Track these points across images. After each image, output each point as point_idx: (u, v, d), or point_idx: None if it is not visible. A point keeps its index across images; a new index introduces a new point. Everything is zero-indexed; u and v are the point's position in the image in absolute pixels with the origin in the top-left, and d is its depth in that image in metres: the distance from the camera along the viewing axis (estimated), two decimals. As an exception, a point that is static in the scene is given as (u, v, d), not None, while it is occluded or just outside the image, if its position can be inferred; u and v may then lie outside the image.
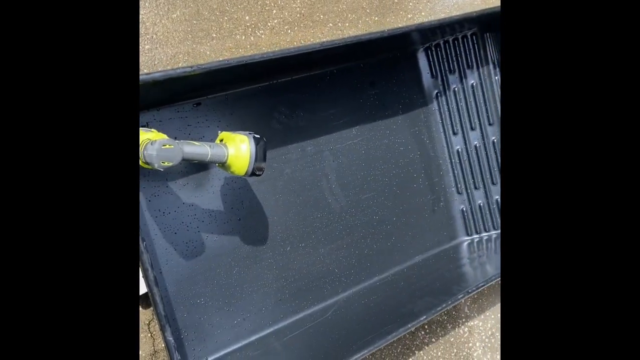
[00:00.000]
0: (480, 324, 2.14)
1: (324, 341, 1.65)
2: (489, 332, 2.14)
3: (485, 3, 2.41)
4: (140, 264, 1.29)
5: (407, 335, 1.98)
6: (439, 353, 2.03)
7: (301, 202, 1.80)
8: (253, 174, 1.37)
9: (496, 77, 2.06)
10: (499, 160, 2.10)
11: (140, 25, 1.68)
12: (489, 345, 2.13)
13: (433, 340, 2.03)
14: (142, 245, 1.27)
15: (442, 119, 2.12)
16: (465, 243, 2.13)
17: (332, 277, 1.83)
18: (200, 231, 1.61)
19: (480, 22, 1.97)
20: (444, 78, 2.09)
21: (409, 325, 1.60)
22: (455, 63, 2.07)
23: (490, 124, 2.09)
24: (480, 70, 2.07)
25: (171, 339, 1.30)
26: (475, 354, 2.10)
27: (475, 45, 2.05)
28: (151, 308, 1.59)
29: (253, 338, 1.66)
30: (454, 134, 2.13)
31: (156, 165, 1.20)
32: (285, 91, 1.77)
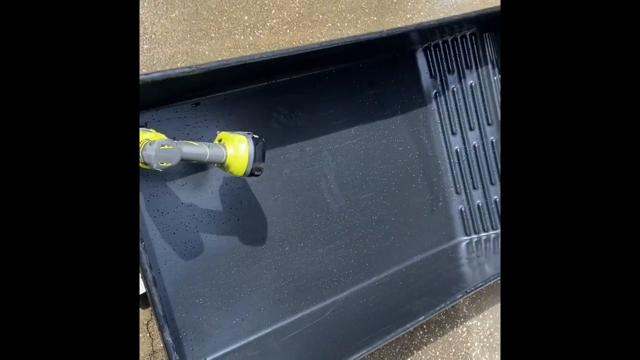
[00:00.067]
0: (479, 323, 2.14)
1: (322, 341, 1.65)
2: (488, 332, 2.15)
3: (484, 3, 2.41)
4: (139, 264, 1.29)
5: (406, 335, 1.98)
6: (438, 353, 2.03)
7: (300, 202, 1.80)
8: (252, 174, 1.36)
9: (495, 77, 2.06)
10: (498, 161, 2.10)
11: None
12: (487, 345, 2.13)
13: (431, 340, 2.03)
14: (140, 246, 1.27)
15: (441, 119, 2.12)
16: (464, 243, 2.13)
17: (331, 277, 1.83)
18: (198, 231, 1.61)
19: (479, 22, 1.97)
20: (443, 78, 2.09)
21: (408, 326, 1.60)
22: (454, 63, 2.07)
23: (489, 124, 2.09)
24: (479, 70, 2.07)
25: (170, 339, 1.30)
26: (473, 354, 2.10)
27: (474, 45, 2.05)
28: (150, 308, 1.59)
29: (252, 338, 1.66)
30: (453, 134, 2.13)
31: (155, 166, 1.20)
32: (284, 91, 1.77)
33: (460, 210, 2.15)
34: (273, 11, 1.93)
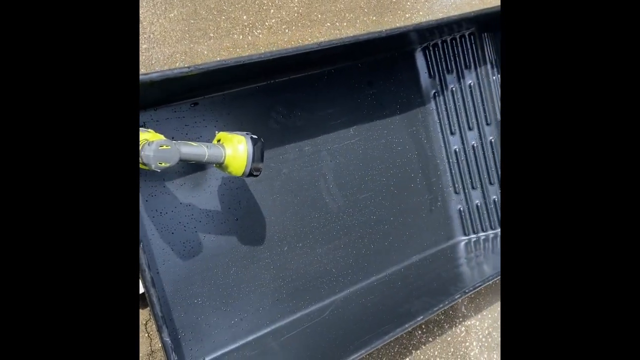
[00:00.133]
0: (477, 323, 2.15)
1: (321, 341, 1.65)
2: (486, 332, 2.15)
3: (483, 3, 2.41)
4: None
5: (405, 335, 1.98)
6: (436, 352, 2.03)
7: (299, 202, 1.80)
8: (250, 174, 1.36)
9: (494, 77, 2.06)
10: (497, 161, 2.10)
11: (137, 25, 1.67)
12: (486, 344, 2.14)
13: (430, 339, 2.04)
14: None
15: (439, 119, 2.12)
16: (463, 243, 2.14)
17: (330, 277, 1.83)
18: (197, 231, 1.60)
19: (478, 22, 1.97)
20: (442, 78, 2.09)
21: (406, 326, 1.60)
22: (453, 63, 2.07)
23: (487, 124, 2.09)
24: (478, 70, 2.07)
25: (168, 339, 1.30)
26: (472, 353, 2.10)
27: (473, 45, 2.05)
28: (148, 308, 1.59)
29: (250, 338, 1.66)
30: (452, 133, 2.13)
31: (153, 166, 1.20)
32: (282, 91, 1.77)
33: (459, 210, 2.15)
34: (272, 11, 1.93)
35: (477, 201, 2.14)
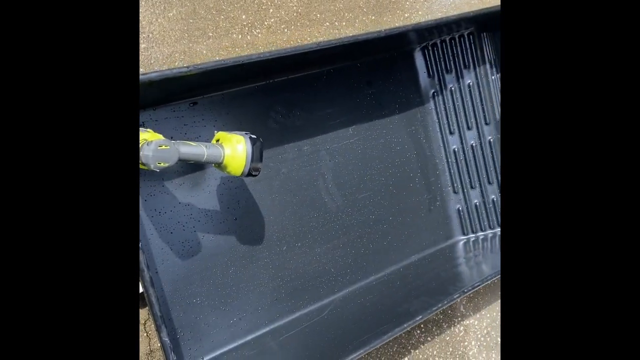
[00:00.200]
0: (476, 322, 2.15)
1: (320, 341, 1.65)
2: (485, 331, 2.15)
3: (482, 3, 2.41)
4: (136, 265, 1.29)
5: (403, 334, 1.98)
6: (435, 352, 2.03)
7: (297, 202, 1.80)
8: (249, 174, 1.36)
9: (493, 77, 2.06)
10: (496, 160, 2.10)
11: (136, 24, 1.67)
12: (485, 344, 2.14)
13: (429, 339, 2.04)
14: (138, 246, 1.27)
15: (438, 119, 2.13)
16: (461, 242, 2.14)
17: (328, 276, 1.83)
18: (196, 231, 1.60)
19: (477, 21, 1.97)
20: (441, 77, 2.09)
21: (405, 325, 1.60)
22: (452, 62, 2.07)
23: (486, 124, 2.09)
24: (477, 69, 2.07)
25: (167, 339, 1.30)
26: (470, 353, 2.10)
27: (472, 44, 2.05)
28: (147, 307, 1.59)
29: (249, 337, 1.66)
30: (451, 133, 2.13)
31: (152, 166, 1.20)
32: (281, 90, 1.77)
33: (458, 209, 2.15)
34: (271, 10, 1.93)
35: (475, 201, 2.14)
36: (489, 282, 1.81)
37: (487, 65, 2.06)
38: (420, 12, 2.27)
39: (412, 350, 1.99)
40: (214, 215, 1.64)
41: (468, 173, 2.13)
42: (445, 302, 1.70)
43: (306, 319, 1.74)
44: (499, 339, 2.16)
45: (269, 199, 1.74)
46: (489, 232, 2.14)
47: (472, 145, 2.12)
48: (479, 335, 2.14)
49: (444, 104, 2.11)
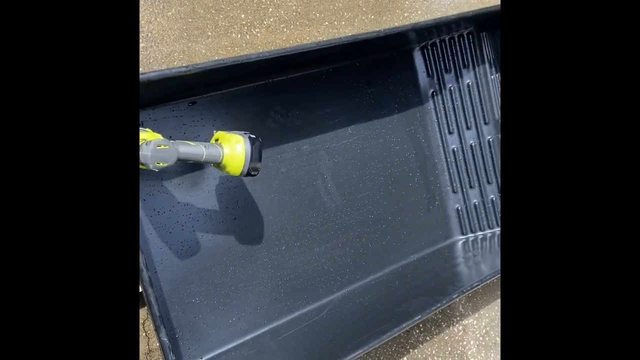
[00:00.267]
0: (475, 322, 2.15)
1: (319, 340, 1.65)
2: (483, 331, 2.15)
3: (481, 2, 2.41)
4: (135, 264, 1.29)
5: (402, 334, 1.98)
6: (434, 351, 2.04)
7: (296, 201, 1.80)
8: (248, 174, 1.36)
9: (492, 77, 2.06)
10: (495, 160, 2.10)
11: (135, 23, 1.67)
12: (483, 343, 2.14)
13: (427, 338, 2.04)
14: (136, 246, 1.27)
15: (437, 118, 2.12)
16: (460, 242, 2.14)
17: (327, 276, 1.83)
18: (195, 230, 1.60)
19: (477, 21, 1.97)
20: (440, 77, 2.09)
21: (404, 325, 1.60)
22: (451, 62, 2.07)
23: (485, 123, 2.09)
24: (476, 69, 2.07)
25: (166, 339, 1.30)
26: (469, 352, 2.10)
27: (472, 44, 2.05)
28: (146, 307, 1.59)
29: (248, 337, 1.66)
30: (450, 133, 2.13)
31: (151, 166, 1.19)
32: (281, 90, 1.76)
33: (457, 209, 2.15)
34: (270, 9, 1.92)
35: (474, 200, 2.14)
36: (487, 281, 1.81)
37: (487, 65, 2.06)
38: (419, 12, 2.27)
39: (410, 350, 1.99)
40: (213, 215, 1.64)
41: (467, 173, 2.13)
42: (444, 301, 1.70)
43: (305, 319, 1.74)
44: (498, 339, 2.17)
45: (268, 198, 1.74)
46: (488, 231, 2.14)
47: (471, 145, 2.12)
48: (478, 335, 2.14)
49: (443, 103, 2.11)
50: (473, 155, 2.12)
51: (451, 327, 2.10)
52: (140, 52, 1.67)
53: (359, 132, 1.94)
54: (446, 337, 2.08)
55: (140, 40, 1.68)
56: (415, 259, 2.03)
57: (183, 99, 1.59)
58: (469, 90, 2.08)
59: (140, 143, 1.21)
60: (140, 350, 1.60)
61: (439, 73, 2.09)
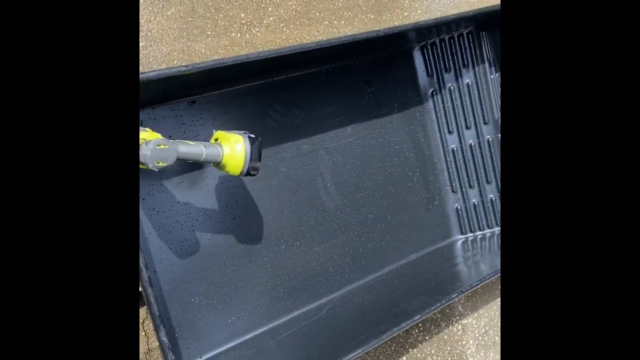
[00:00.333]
0: (474, 321, 2.15)
1: (318, 340, 1.65)
2: (482, 330, 2.16)
3: (481, 2, 2.41)
4: (134, 264, 1.29)
5: (401, 333, 1.98)
6: (433, 351, 2.04)
7: (296, 201, 1.80)
8: (248, 173, 1.36)
9: (492, 76, 2.06)
10: (494, 159, 2.10)
11: (134, 22, 1.66)
12: (482, 343, 2.14)
13: (427, 338, 2.04)
14: (136, 245, 1.27)
15: (437, 118, 2.12)
16: (460, 242, 2.14)
17: (327, 275, 1.83)
18: (194, 230, 1.60)
19: (476, 20, 1.97)
20: (440, 76, 2.09)
21: (403, 325, 1.60)
22: (451, 62, 2.07)
23: (485, 123, 2.09)
24: (476, 69, 2.07)
25: (165, 339, 1.30)
26: (468, 352, 2.11)
27: (471, 43, 2.05)
28: (145, 307, 1.59)
29: (247, 337, 1.66)
30: (449, 132, 2.13)
31: (150, 166, 1.19)
32: (280, 89, 1.76)
33: (456, 208, 2.16)
34: (270, 9, 1.92)
35: (474, 200, 2.14)
36: (487, 281, 1.81)
37: (486, 65, 2.06)
38: (419, 11, 2.27)
39: (410, 349, 1.99)
40: (213, 214, 1.64)
41: (467, 172, 2.13)
42: (444, 301, 1.70)
43: (304, 318, 1.74)
44: (497, 338, 2.17)
45: (268, 198, 1.74)
46: (487, 231, 2.14)
47: (470, 145, 2.12)
48: (477, 335, 2.14)
49: (443, 103, 2.11)
50: (472, 155, 2.12)
51: (450, 327, 2.10)
52: (139, 52, 1.67)
53: (359, 132, 1.94)
54: (445, 337, 2.08)
55: (140, 40, 1.68)
56: (415, 259, 2.03)
57: (182, 99, 1.59)
58: (469, 90, 2.08)
59: (139, 142, 1.21)
60: (140, 349, 1.60)
61: (439, 72, 2.09)
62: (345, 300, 1.82)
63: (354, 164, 1.93)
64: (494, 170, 2.11)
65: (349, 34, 1.97)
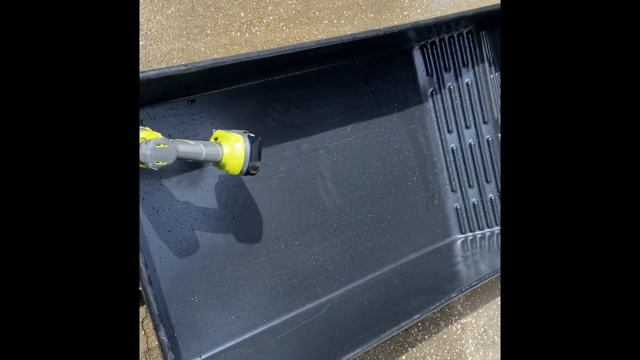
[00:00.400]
0: (473, 321, 2.15)
1: (317, 339, 1.65)
2: (482, 329, 2.16)
3: (481, 1, 2.41)
4: (134, 263, 1.29)
5: (401, 333, 1.99)
6: (432, 350, 2.04)
7: (295, 200, 1.80)
8: (248, 173, 1.36)
9: (491, 75, 2.06)
10: (494, 159, 2.11)
11: (134, 21, 1.66)
12: (482, 342, 2.14)
13: (426, 337, 2.04)
14: (136, 244, 1.27)
15: (437, 117, 2.12)
16: (459, 241, 2.14)
17: (326, 275, 1.83)
18: (194, 229, 1.60)
19: (476, 20, 1.97)
20: (439, 76, 2.09)
21: (403, 324, 1.60)
22: (450, 61, 2.07)
23: (485, 122, 2.09)
24: (476, 68, 2.07)
25: (165, 338, 1.30)
26: (467, 351, 2.11)
27: (471, 43, 2.05)
28: (145, 306, 1.59)
29: (247, 336, 1.66)
30: (449, 132, 2.13)
31: (150, 165, 1.19)
32: (280, 88, 1.76)
33: (456, 208, 2.16)
34: (269, 8, 1.92)
35: (473, 199, 2.14)
36: (486, 280, 1.81)
37: (486, 64, 2.05)
38: (419, 11, 2.27)
39: (409, 349, 2.00)
40: (212, 214, 1.64)
41: (466, 172, 2.13)
42: (443, 300, 1.70)
43: (304, 317, 1.74)
44: (496, 338, 2.17)
45: (267, 197, 1.74)
46: (487, 230, 2.14)
47: (470, 144, 2.12)
48: (476, 334, 2.14)
49: (443, 102, 2.11)
50: (472, 154, 2.12)
51: (450, 326, 2.10)
52: (139, 51, 1.67)
53: (358, 131, 1.94)
54: (445, 336, 2.08)
55: (140, 39, 1.67)
56: (414, 258, 2.03)
57: (182, 98, 1.59)
58: (469, 89, 2.08)
59: (139, 142, 1.21)
60: (139, 348, 1.60)
61: (439, 72, 2.09)
62: (345, 299, 1.82)
63: (353, 163, 1.93)
64: (494, 170, 2.11)
65: (349, 33, 1.97)
